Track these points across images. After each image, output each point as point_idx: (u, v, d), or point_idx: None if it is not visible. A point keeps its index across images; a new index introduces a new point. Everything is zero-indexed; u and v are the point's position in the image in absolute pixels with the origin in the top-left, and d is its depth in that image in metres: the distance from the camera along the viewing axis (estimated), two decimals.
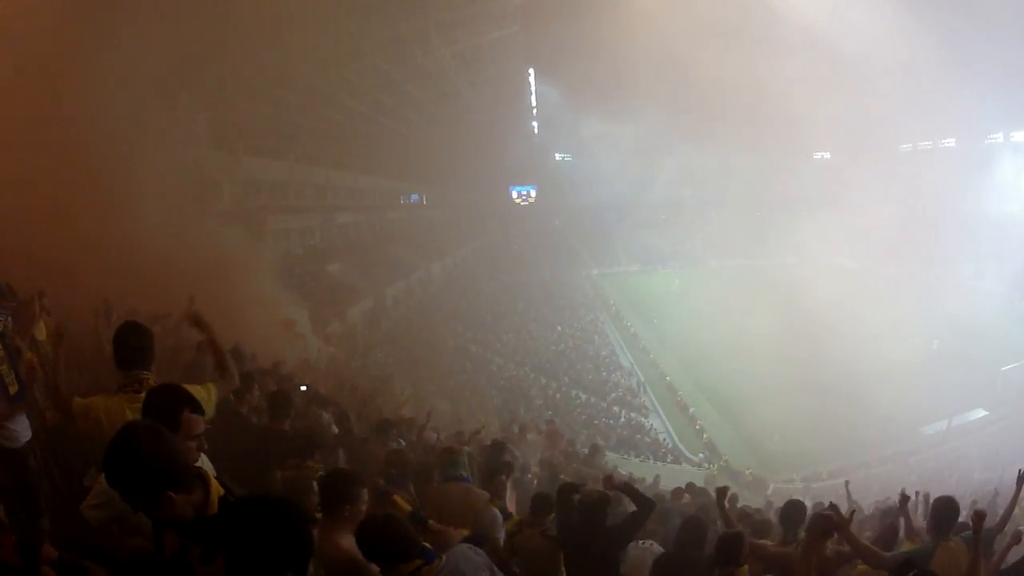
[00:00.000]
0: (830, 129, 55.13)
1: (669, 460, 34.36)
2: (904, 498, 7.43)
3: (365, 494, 4.64)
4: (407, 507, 5.05)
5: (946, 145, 60.10)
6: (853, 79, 49.83)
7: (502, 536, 6.44)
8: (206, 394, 4.64)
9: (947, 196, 50.10)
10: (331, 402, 11.28)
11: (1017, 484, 6.47)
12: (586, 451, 19.77)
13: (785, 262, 61.83)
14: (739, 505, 13.13)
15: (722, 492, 7.38)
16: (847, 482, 12.64)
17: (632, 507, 6.93)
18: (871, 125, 55.44)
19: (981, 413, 37.68)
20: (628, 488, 7.17)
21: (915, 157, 60.81)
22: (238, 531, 2.55)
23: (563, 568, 6.64)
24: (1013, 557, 6.07)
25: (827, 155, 68.33)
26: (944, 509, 5.95)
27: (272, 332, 20.92)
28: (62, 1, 14.74)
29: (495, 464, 8.63)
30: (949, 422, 36.81)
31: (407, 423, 12.51)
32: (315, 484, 5.88)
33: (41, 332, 6.98)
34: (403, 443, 9.26)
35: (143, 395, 4.45)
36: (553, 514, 6.91)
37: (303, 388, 11.40)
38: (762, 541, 7.01)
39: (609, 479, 7.42)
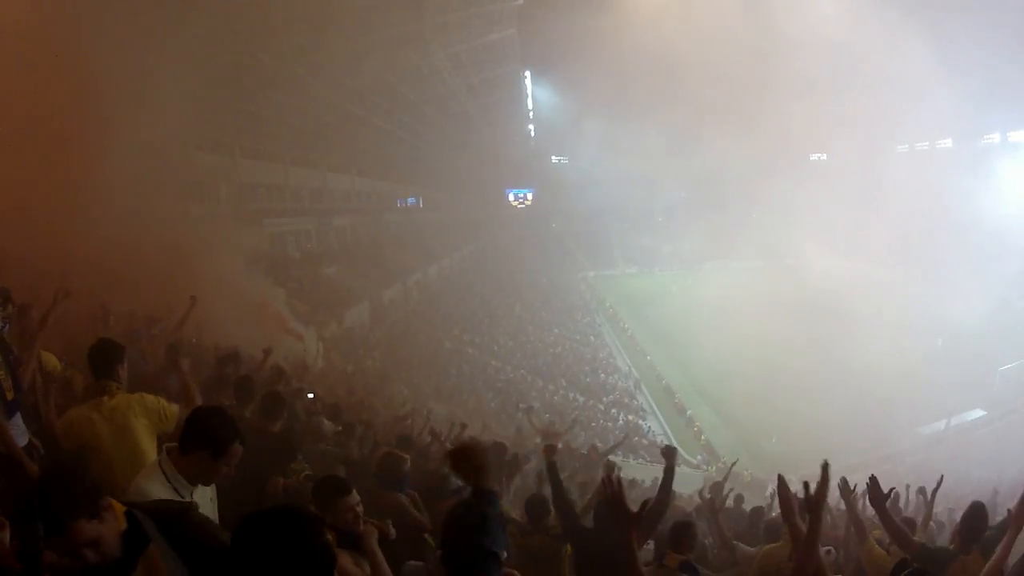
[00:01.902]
0: (827, 130, 55.12)
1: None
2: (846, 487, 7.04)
3: (350, 500, 4.60)
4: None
5: (943, 146, 60.13)
6: (850, 79, 49.83)
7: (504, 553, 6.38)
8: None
9: (944, 196, 50.01)
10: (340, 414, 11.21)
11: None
12: (584, 451, 19.72)
13: (782, 263, 61.89)
14: (744, 506, 13.18)
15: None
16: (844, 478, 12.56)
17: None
18: (868, 126, 55.43)
19: (979, 413, 37.70)
20: (668, 476, 6.96)
21: (912, 158, 60.83)
22: (253, 549, 2.39)
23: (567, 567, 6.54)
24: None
25: (824, 156, 68.41)
26: (974, 518, 5.73)
27: (266, 332, 20.90)
28: (51, 3, 14.69)
29: (500, 467, 8.61)
30: (947, 422, 36.82)
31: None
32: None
33: (52, 362, 6.96)
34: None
35: (105, 399, 5.01)
36: (552, 514, 6.83)
37: (310, 396, 11.37)
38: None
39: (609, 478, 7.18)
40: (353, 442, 9.08)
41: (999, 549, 5.04)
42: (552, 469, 6.92)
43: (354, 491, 4.66)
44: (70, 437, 5.08)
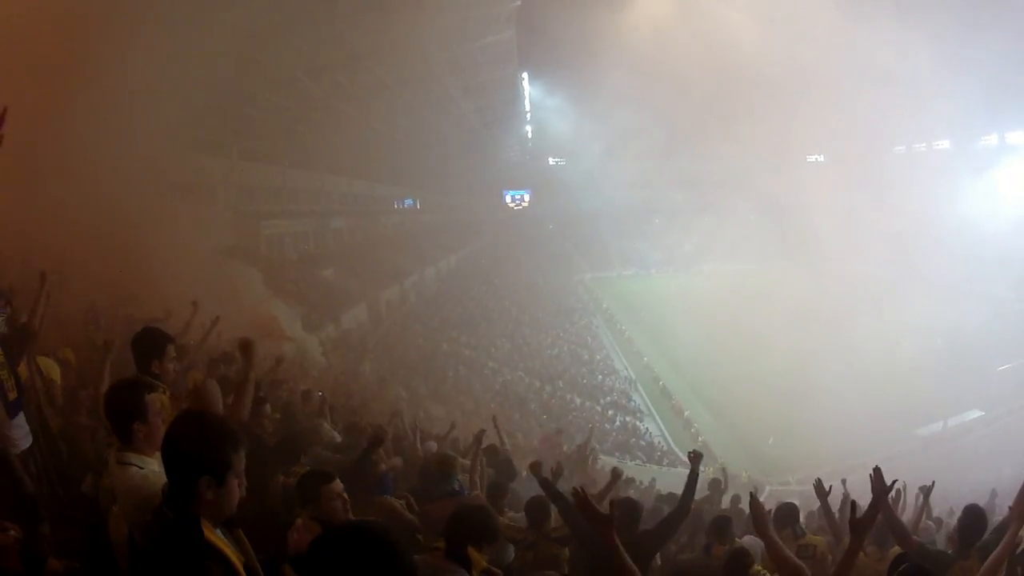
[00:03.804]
0: (824, 131, 55.07)
1: (665, 463, 34.31)
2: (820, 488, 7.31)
3: (330, 491, 4.65)
4: None
5: (940, 147, 60.07)
6: (848, 81, 49.75)
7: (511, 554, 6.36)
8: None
9: (942, 198, 50.03)
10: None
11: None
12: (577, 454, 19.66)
13: (779, 265, 61.86)
14: (740, 506, 13.20)
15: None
16: (844, 480, 12.58)
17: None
18: (865, 127, 55.35)
19: (977, 414, 37.68)
20: (692, 481, 7.16)
21: (909, 159, 60.82)
22: (336, 565, 2.33)
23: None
24: None
25: (821, 158, 68.34)
26: (971, 523, 5.71)
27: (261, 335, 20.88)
28: (58, 5, 14.69)
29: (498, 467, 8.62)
30: (945, 423, 36.83)
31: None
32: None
33: (55, 371, 6.97)
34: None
35: None
36: (551, 517, 6.80)
37: (320, 394, 11.49)
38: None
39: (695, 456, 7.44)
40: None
41: (1001, 544, 5.05)
42: (546, 485, 6.97)
43: (337, 479, 4.70)
44: None
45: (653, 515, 9.36)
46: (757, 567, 5.86)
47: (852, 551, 4.41)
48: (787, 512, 7.54)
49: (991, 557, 5.02)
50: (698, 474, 7.11)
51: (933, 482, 9.15)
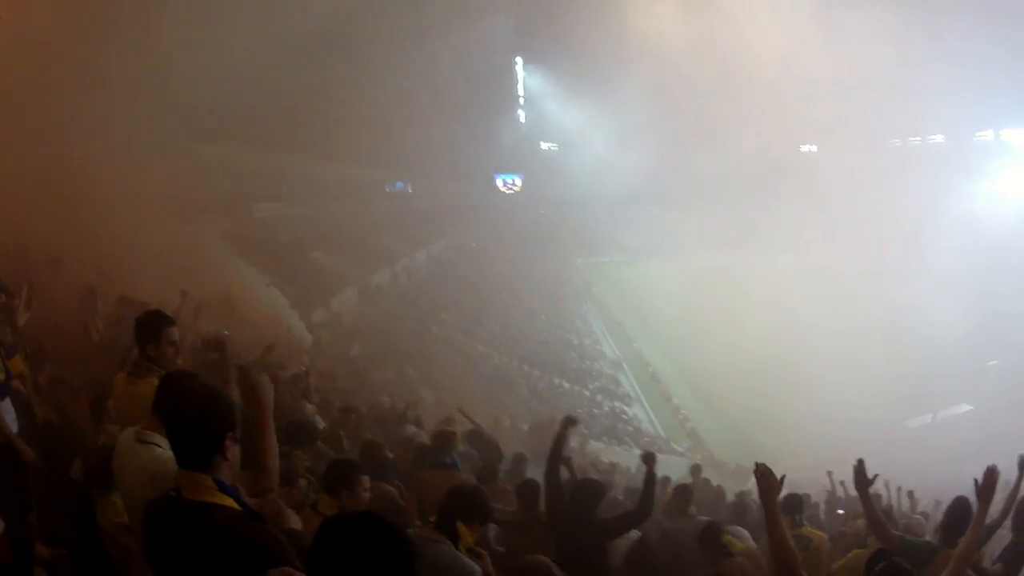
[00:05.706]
0: (818, 122, 54.92)
1: (652, 449, 34.24)
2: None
3: (366, 481, 4.75)
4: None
5: (935, 141, 60.00)
6: (843, 72, 49.63)
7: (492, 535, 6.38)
8: None
9: (936, 192, 49.97)
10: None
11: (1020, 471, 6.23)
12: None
13: (772, 255, 61.86)
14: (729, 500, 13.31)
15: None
16: (830, 472, 12.66)
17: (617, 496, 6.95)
18: (860, 119, 55.26)
19: (966, 407, 37.86)
20: (650, 482, 7.13)
21: (904, 153, 60.75)
22: (334, 554, 2.33)
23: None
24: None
25: (814, 148, 68.15)
26: (957, 513, 5.69)
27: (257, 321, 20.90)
28: None
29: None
30: (934, 416, 36.99)
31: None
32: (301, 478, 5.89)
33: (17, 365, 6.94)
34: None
35: (133, 378, 4.67)
36: (540, 500, 6.84)
37: (303, 369, 11.51)
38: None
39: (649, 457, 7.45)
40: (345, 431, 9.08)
41: (970, 528, 5.09)
42: (561, 440, 7.08)
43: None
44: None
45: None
46: (727, 538, 6.00)
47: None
48: (791, 501, 7.57)
49: (963, 541, 5.06)
50: (655, 475, 7.12)
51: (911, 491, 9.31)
